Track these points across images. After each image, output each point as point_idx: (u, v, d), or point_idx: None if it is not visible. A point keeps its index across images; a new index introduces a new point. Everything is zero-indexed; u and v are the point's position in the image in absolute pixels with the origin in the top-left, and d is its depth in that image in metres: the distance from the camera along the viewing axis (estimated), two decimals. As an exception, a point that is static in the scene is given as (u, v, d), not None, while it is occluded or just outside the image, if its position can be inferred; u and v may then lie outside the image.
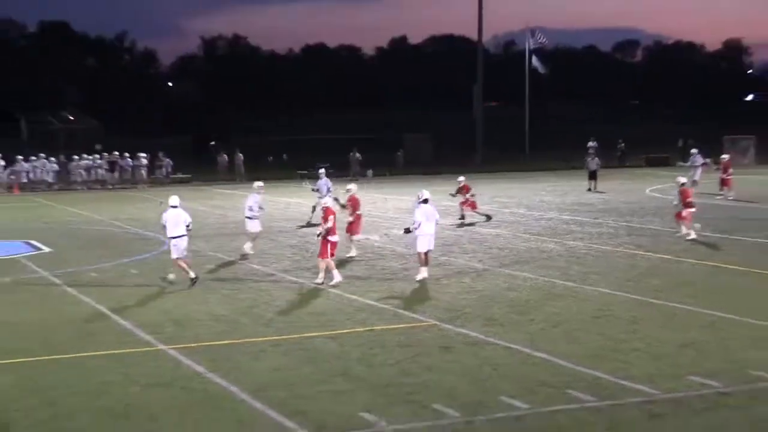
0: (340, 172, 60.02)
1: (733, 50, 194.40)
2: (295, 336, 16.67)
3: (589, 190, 48.60)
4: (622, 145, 73.01)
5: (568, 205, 41.20)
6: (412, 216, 23.57)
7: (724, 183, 43.03)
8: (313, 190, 33.62)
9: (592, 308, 18.77)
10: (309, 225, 32.40)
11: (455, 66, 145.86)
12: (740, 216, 35.51)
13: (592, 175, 49.81)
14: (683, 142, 75.61)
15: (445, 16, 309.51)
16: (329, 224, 21.78)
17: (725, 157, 45.33)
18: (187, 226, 22.22)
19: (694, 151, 47.58)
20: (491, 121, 78.01)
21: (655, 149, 73.14)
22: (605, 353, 15.15)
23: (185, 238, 22.14)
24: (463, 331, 16.91)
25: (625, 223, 33.35)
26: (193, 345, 16.09)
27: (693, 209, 29.47)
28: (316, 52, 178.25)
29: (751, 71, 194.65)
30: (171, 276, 22.19)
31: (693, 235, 28.58)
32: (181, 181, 58.04)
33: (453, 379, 13.75)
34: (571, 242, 28.87)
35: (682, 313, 18.11)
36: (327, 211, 22.15)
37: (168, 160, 59.94)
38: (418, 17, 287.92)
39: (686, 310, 18.37)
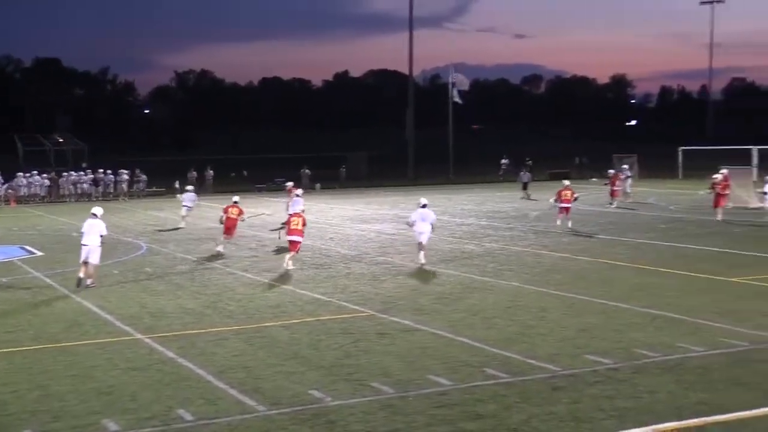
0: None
1: (619, 84, 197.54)
2: (254, 325, 16.51)
3: (522, 198, 49.18)
4: (530, 162, 73.31)
5: (484, 212, 41.39)
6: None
7: (612, 194, 43.58)
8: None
9: (506, 299, 18.84)
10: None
11: (390, 95, 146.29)
12: (625, 221, 35.96)
13: (525, 186, 50.63)
14: (579, 160, 76.64)
15: (382, 53, 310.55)
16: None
17: (612, 172, 45.98)
18: (102, 236, 21.12)
19: (624, 167, 48.16)
20: (421, 142, 78.18)
21: (556, 166, 73.83)
22: (516, 337, 15.20)
23: (98, 248, 20.95)
24: (397, 319, 16.87)
25: (532, 228, 33.58)
26: (166, 334, 15.86)
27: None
28: (271, 84, 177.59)
29: (633, 101, 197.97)
30: (80, 275, 21.10)
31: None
32: (155, 194, 57.34)
33: (388, 361, 13.70)
34: (488, 244, 28.99)
35: (580, 303, 18.26)
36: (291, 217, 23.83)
37: (144, 176, 59.17)
38: (358, 54, 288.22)
39: (583, 300, 18.52)
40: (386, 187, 63.40)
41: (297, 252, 23.91)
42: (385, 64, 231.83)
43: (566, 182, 35.17)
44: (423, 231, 24.24)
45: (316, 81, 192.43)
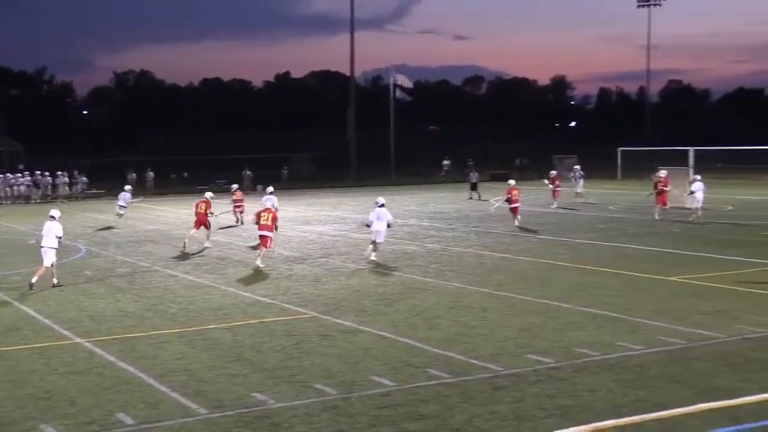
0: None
1: (559, 85, 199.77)
2: (196, 328, 16.38)
3: (471, 198, 49.48)
4: (471, 162, 73.84)
5: (426, 213, 41.57)
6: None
7: (554, 194, 44.01)
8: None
9: (448, 300, 18.95)
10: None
11: (332, 96, 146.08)
12: (565, 221, 36.41)
13: (473, 187, 51.01)
14: (520, 161, 77.29)
15: (323, 54, 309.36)
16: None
17: (553, 173, 46.49)
18: (59, 237, 21.21)
19: (577, 167, 48.58)
20: (364, 143, 78.16)
21: (497, 166, 74.42)
22: (459, 337, 15.30)
23: (51, 250, 21.04)
24: (339, 321, 16.87)
25: (473, 228, 33.83)
26: (106, 338, 15.66)
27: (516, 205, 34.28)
28: (212, 84, 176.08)
29: (573, 102, 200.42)
30: (54, 280, 21.26)
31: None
32: (95, 196, 56.47)
33: (331, 362, 13.70)
34: (430, 245, 29.12)
35: (521, 303, 18.44)
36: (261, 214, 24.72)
37: (83, 177, 58.26)
38: (300, 55, 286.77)
39: (524, 300, 18.72)
40: (329, 188, 63.33)
41: (269, 248, 24.52)
42: (326, 66, 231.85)
43: (512, 182, 35.98)
44: (379, 230, 24.95)
45: (257, 82, 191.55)
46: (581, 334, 15.39)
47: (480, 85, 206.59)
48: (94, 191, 57.70)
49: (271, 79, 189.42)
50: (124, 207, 37.28)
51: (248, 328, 16.34)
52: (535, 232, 32.25)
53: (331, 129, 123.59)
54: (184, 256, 26.76)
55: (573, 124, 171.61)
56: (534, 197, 48.48)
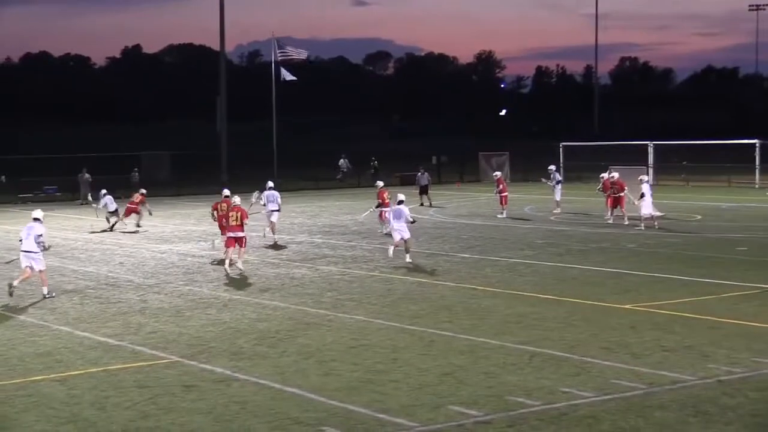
0: (69, 195, 58.46)
1: (486, 64, 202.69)
2: (17, 381, 15.99)
3: (422, 204, 49.76)
4: (375, 162, 74.37)
5: (319, 227, 41.58)
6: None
7: (502, 201, 44.14)
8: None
9: (348, 337, 18.96)
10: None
11: (197, 77, 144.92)
12: (497, 236, 36.83)
13: (423, 190, 51.33)
14: (437, 159, 78.03)
15: (184, 24, 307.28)
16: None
17: (498, 174, 46.89)
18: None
19: (552, 167, 48.87)
20: (240, 138, 77.84)
21: (409, 167, 74.88)
22: (361, 385, 15.31)
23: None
24: (208, 366, 16.72)
25: (380, 245, 33.94)
26: None
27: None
28: (37, 61, 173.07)
29: (504, 85, 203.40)
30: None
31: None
32: None
33: (197, 420, 13.55)
34: (324, 267, 29.13)
35: (441, 340, 18.56)
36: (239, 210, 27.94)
37: None
38: (154, 25, 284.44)
39: (445, 336, 18.84)
40: (193, 197, 62.74)
41: (244, 248, 28.20)
42: (189, 37, 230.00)
43: (380, 183, 39.00)
44: (400, 228, 29.48)
45: (98, 58, 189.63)
46: (517, 378, 15.56)
47: (386, 64, 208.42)
48: None
49: (117, 55, 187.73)
50: None
51: (88, 379, 16.04)
52: (452, 255, 32.55)
53: (196, 120, 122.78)
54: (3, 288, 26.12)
55: (503, 112, 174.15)
56: (457, 205, 48.99)
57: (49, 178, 59.79)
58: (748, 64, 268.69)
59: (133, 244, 36.16)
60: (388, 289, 24.89)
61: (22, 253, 23.89)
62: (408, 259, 29.26)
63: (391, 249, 29.76)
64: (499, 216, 43.42)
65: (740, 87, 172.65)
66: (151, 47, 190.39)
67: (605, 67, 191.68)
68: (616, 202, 40.01)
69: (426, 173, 54.58)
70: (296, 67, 72.02)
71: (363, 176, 72.05)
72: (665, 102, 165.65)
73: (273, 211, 35.59)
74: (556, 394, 14.54)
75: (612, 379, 15.35)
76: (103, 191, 41.98)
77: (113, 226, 41.05)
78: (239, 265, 27.77)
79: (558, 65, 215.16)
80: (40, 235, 23.84)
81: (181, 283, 26.49)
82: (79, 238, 37.76)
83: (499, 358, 16.94)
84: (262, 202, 36.21)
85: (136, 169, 69.52)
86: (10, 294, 23.60)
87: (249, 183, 69.27)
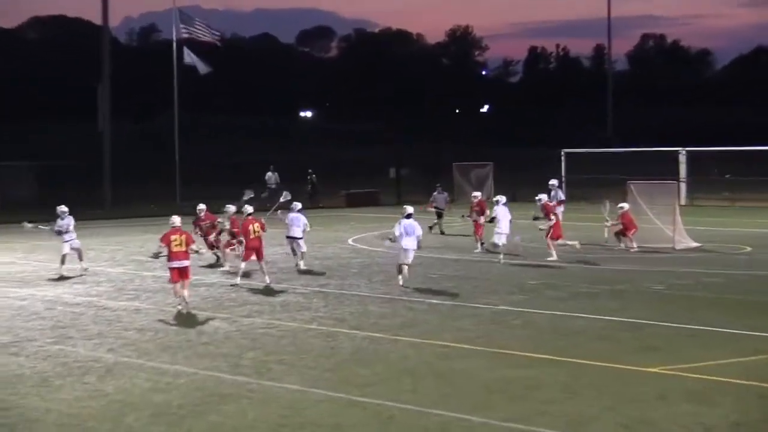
0: None
1: (461, 43, 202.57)
2: None
3: (431, 230, 49.77)
4: (313, 176, 74.31)
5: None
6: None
7: (477, 231, 44.28)
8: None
9: (276, 413, 18.90)
10: None
11: (71, 60, 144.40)
12: (477, 275, 36.91)
13: (440, 214, 51.66)
14: (396, 172, 78.15)
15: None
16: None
17: (477, 194, 46.85)
18: None
19: (553, 182, 49.03)
20: (133, 142, 77.50)
21: (358, 182, 75.05)
22: (294, 479, 15.27)
23: None
24: (85, 456, 16.62)
25: (319, 288, 33.90)
26: None
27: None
28: None
29: (485, 72, 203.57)
30: None
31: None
32: None
33: None
34: (245, 318, 29.03)
35: (402, 415, 18.53)
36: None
37: None
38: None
39: (407, 411, 18.81)
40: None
41: (189, 279, 30.70)
42: (61, 9, 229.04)
43: (298, 205, 39.91)
44: (408, 247, 33.30)
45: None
46: (504, 467, 15.56)
47: (327, 44, 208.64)
48: None
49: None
50: None
51: None
52: (415, 301, 32.60)
53: (70, 119, 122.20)
54: None
55: (486, 108, 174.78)
56: (423, 233, 48.93)
57: None
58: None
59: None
60: (331, 347, 24.85)
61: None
62: (401, 283, 33.24)
63: (405, 270, 33.51)
64: (474, 252, 43.41)
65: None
66: (8, 21, 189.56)
67: (621, 48, 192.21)
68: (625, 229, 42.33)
69: (445, 193, 54.55)
70: (206, 50, 71.67)
71: (299, 193, 71.98)
72: (701, 94, 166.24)
73: (297, 238, 38.94)
74: (558, 491, 14.55)
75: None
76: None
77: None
78: (185, 294, 30.19)
79: (558, 45, 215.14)
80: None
81: (49, 340, 26.29)
82: None
83: (479, 441, 16.94)
84: (285, 221, 39.37)
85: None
86: None
87: (140, 202, 69.27)
